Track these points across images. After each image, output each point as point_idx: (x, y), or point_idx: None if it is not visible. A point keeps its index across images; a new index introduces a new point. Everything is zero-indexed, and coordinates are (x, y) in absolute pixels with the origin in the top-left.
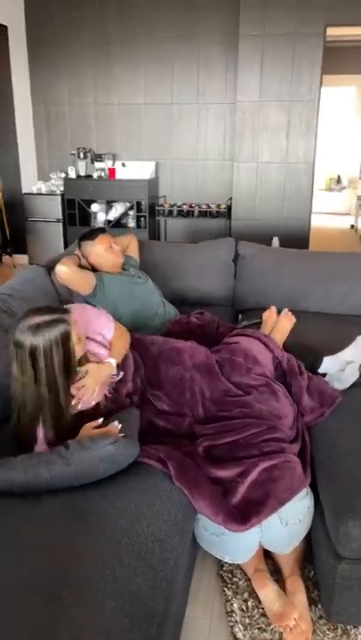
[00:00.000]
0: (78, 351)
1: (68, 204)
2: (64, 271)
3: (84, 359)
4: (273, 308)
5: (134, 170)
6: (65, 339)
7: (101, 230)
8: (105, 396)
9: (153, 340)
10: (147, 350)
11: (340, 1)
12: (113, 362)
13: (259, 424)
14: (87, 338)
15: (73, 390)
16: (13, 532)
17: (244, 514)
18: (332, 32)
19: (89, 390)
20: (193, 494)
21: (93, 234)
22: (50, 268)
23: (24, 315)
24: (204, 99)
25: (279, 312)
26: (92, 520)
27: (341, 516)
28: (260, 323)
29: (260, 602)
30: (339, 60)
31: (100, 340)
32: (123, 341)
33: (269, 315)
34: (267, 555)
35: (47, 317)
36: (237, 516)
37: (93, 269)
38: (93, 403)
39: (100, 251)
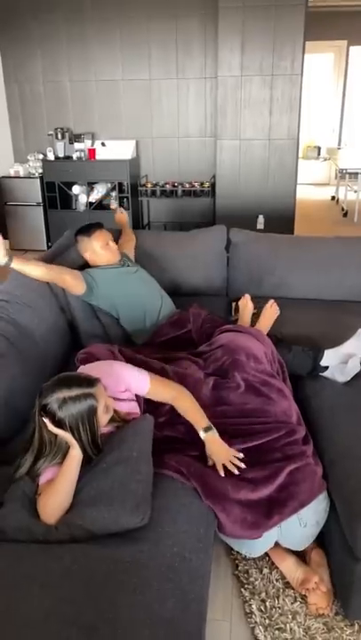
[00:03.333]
0: (103, 421)
1: (47, 186)
2: (36, 277)
3: (117, 415)
4: (247, 296)
5: (115, 149)
6: (91, 414)
7: (98, 225)
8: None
9: None
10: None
11: None
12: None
13: (279, 428)
14: (115, 399)
15: None
16: (37, 560)
17: (267, 511)
18: (313, 1)
19: None
20: (224, 510)
21: (90, 229)
22: None
23: (52, 383)
24: (183, 74)
25: (253, 299)
26: (115, 544)
27: (358, 519)
28: (257, 313)
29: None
30: (317, 26)
31: (128, 397)
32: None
33: (245, 303)
34: None
35: (74, 392)
36: (262, 512)
37: (88, 265)
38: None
39: (97, 248)
